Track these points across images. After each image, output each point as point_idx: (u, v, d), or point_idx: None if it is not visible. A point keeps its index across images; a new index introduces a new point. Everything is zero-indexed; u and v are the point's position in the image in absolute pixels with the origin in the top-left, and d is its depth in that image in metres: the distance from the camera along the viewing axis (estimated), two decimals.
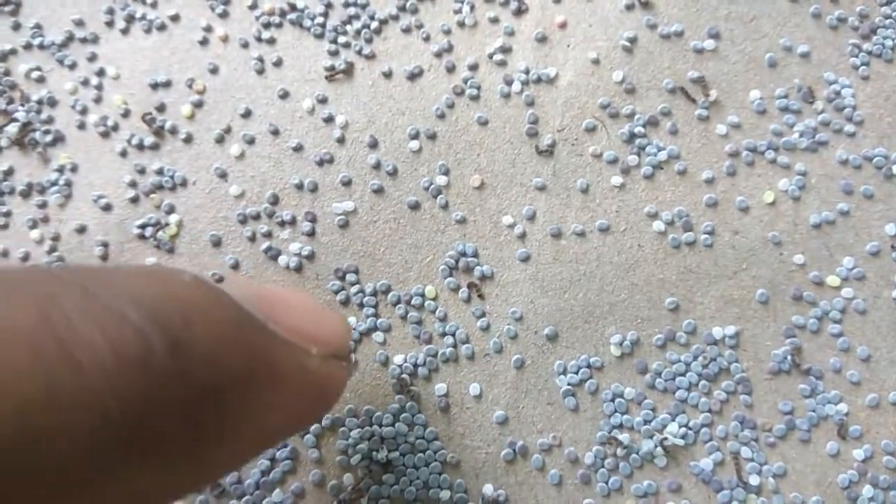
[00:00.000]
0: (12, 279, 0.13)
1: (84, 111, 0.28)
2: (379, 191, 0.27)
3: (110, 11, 0.29)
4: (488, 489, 0.24)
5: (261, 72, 0.28)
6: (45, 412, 0.11)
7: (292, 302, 0.18)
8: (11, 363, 0.11)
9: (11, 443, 0.11)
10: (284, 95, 0.28)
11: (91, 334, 0.12)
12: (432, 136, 0.27)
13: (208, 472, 0.15)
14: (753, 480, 0.24)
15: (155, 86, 0.28)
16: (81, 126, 0.28)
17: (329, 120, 0.27)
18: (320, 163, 0.27)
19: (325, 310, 0.19)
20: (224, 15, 0.28)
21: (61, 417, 0.11)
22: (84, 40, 0.28)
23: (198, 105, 0.28)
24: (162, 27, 0.28)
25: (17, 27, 0.29)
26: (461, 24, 0.28)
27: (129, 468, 0.13)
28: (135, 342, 0.12)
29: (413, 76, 0.27)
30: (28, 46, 0.28)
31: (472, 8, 0.28)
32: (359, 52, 0.28)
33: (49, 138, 0.27)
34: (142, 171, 0.27)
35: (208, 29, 0.28)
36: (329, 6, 0.28)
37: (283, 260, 0.26)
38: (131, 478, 0.13)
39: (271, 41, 0.28)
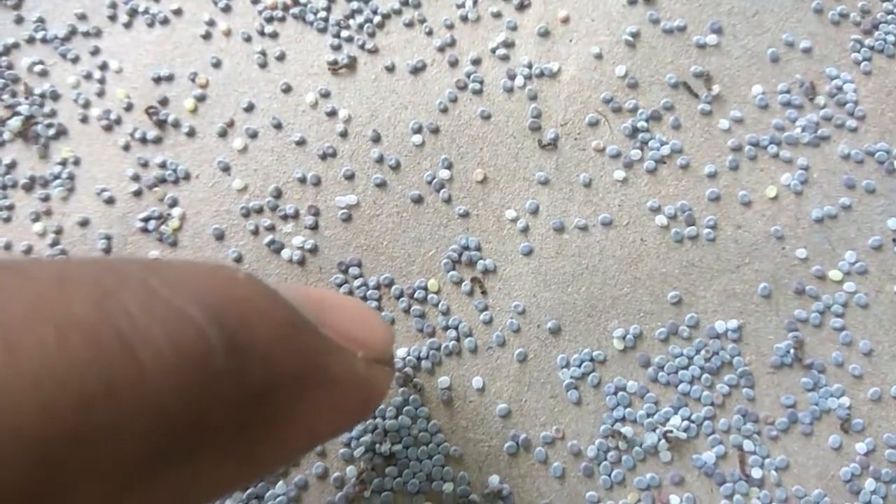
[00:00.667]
0: (73, 272, 0.13)
1: (87, 105, 0.28)
2: (382, 185, 0.27)
3: (113, 5, 0.29)
4: (494, 480, 0.24)
5: (264, 66, 0.28)
6: (105, 406, 0.11)
7: (341, 306, 0.18)
8: (72, 356, 0.11)
9: (71, 436, 0.11)
10: (287, 89, 0.28)
11: (152, 331, 0.12)
12: (435, 131, 0.27)
13: (257, 468, 0.15)
14: (756, 473, 0.24)
15: (158, 80, 0.28)
16: (84, 120, 0.28)
17: (332, 114, 0.27)
18: (323, 156, 0.27)
19: (370, 313, 0.19)
20: (227, 9, 0.28)
21: (121, 412, 0.11)
22: (87, 34, 0.28)
23: (201, 99, 0.28)
24: (165, 21, 0.28)
25: (19, 21, 0.29)
26: (464, 19, 0.28)
27: (184, 464, 0.13)
28: (195, 340, 0.12)
29: (416, 70, 0.28)
30: (31, 40, 0.28)
31: (475, 2, 0.28)
32: (362, 47, 0.28)
33: (52, 132, 0.27)
34: (145, 165, 0.27)
35: (211, 23, 0.28)
36: (332, 0, 0.28)
37: (286, 253, 0.26)
38: (185, 473, 0.13)
39: (274, 35, 0.28)
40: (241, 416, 0.14)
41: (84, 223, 0.27)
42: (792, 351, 0.25)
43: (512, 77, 0.27)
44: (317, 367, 0.16)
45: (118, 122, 0.28)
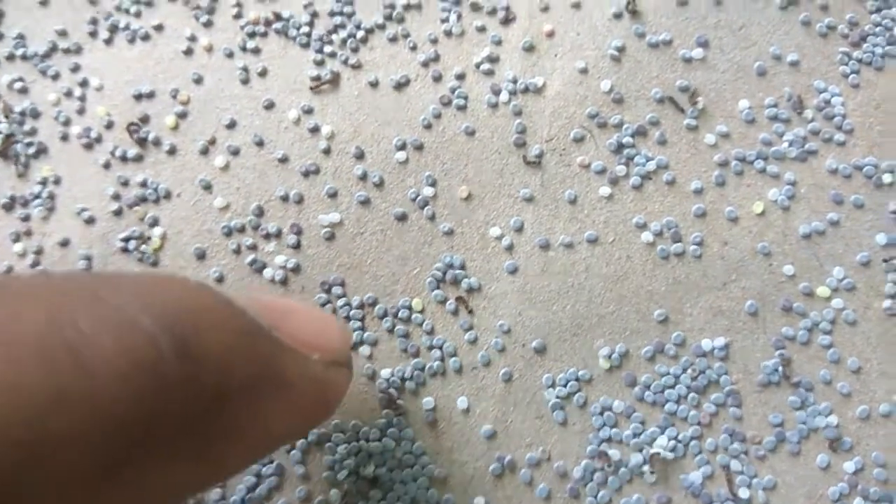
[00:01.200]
0: (20, 285, 0.13)
1: (67, 122, 0.27)
2: (365, 202, 0.26)
3: (93, 22, 0.28)
4: (479, 502, 0.24)
5: (246, 82, 0.28)
6: (54, 416, 0.11)
7: (295, 310, 0.18)
8: (21, 371, 0.11)
9: (22, 448, 0.11)
10: (270, 106, 0.27)
11: (101, 339, 0.12)
12: (419, 147, 0.27)
13: (215, 473, 0.16)
14: (743, 494, 0.24)
15: (139, 97, 0.28)
16: (64, 137, 0.27)
17: (315, 130, 0.27)
18: (306, 174, 0.27)
19: (327, 317, 0.20)
20: (208, 24, 0.28)
21: (71, 421, 0.12)
22: (67, 51, 0.28)
23: (182, 116, 0.27)
24: (146, 37, 0.28)
25: None
26: (448, 34, 0.28)
27: (138, 470, 0.13)
28: (145, 347, 0.13)
29: (399, 86, 0.27)
30: (10, 57, 0.28)
31: (459, 17, 0.28)
32: (345, 62, 0.28)
33: (32, 150, 0.27)
34: (125, 184, 0.27)
35: (192, 39, 0.28)
36: (315, 15, 0.28)
37: (268, 273, 0.26)
38: (139, 480, 0.13)
39: (256, 51, 0.28)
40: (196, 421, 0.14)
41: (64, 243, 0.26)
42: (779, 369, 0.25)
43: (496, 92, 0.27)
44: (271, 371, 0.16)
45: (98, 140, 0.27)
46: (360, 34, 0.28)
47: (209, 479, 0.16)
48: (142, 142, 0.27)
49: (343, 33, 0.28)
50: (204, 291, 0.15)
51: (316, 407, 0.18)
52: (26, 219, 0.27)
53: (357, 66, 0.28)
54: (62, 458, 0.12)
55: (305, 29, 0.28)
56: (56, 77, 0.28)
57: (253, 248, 0.26)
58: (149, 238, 0.26)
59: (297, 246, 0.26)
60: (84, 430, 0.12)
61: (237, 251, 0.26)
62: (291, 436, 0.18)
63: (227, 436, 0.15)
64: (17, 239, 0.27)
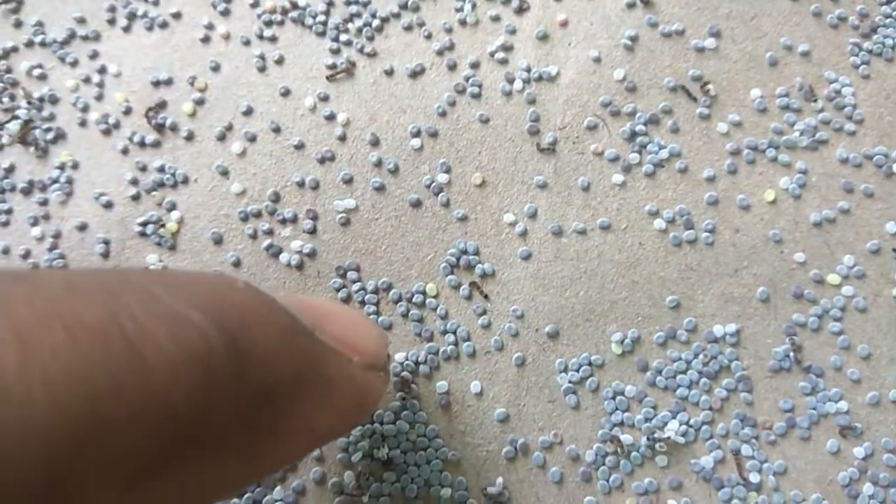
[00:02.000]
0: (79, 280, 0.13)
1: (85, 109, 0.28)
2: (380, 188, 0.27)
3: (112, 9, 0.29)
4: (492, 485, 0.24)
5: (262, 69, 0.28)
6: (112, 403, 0.12)
7: (336, 313, 0.19)
8: (82, 356, 0.12)
9: (81, 431, 0.11)
10: (286, 93, 0.28)
11: (156, 332, 0.13)
12: (434, 134, 0.27)
13: (258, 468, 0.16)
14: (754, 478, 0.24)
15: (157, 83, 0.28)
16: (83, 124, 0.28)
17: (330, 118, 0.27)
18: (322, 160, 0.27)
19: (366, 321, 0.20)
20: (226, 13, 0.28)
21: (129, 409, 0.12)
22: (86, 38, 0.28)
23: (199, 103, 0.28)
24: (164, 25, 0.28)
25: (18, 25, 0.29)
26: (463, 23, 0.28)
27: (189, 462, 0.13)
28: (197, 342, 0.13)
29: (415, 74, 0.28)
30: (30, 44, 0.28)
31: (474, 6, 0.28)
32: (360, 50, 0.28)
33: (50, 136, 0.27)
34: (143, 169, 0.27)
35: (210, 27, 0.28)
36: (331, 4, 0.28)
37: (284, 257, 0.26)
38: (189, 471, 0.13)
39: (273, 39, 0.28)
40: (243, 416, 0.14)
41: (82, 227, 0.27)
42: (790, 355, 0.25)
43: (510, 81, 0.27)
44: (314, 369, 0.16)
45: (117, 126, 0.28)
46: (376, 23, 0.28)
47: (251, 476, 0.16)
48: (160, 128, 0.27)
49: (359, 22, 0.28)
50: (250, 290, 0.16)
51: (354, 408, 0.18)
52: (45, 203, 0.27)
53: (372, 55, 0.28)
54: (117, 444, 0.12)
55: (321, 17, 0.28)
56: (75, 64, 0.28)
57: (269, 233, 0.26)
58: (163, 224, 0.27)
59: (312, 231, 0.26)
60: (138, 417, 0.12)
61: (253, 236, 0.26)
62: (330, 435, 0.19)
63: (271, 433, 0.15)
64: (35, 223, 0.27)
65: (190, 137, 0.27)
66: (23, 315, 0.12)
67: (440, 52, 0.28)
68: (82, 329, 0.12)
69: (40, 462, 0.11)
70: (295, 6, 0.28)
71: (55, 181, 0.27)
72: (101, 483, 0.12)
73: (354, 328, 0.18)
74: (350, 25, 0.28)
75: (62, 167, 0.27)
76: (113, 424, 0.12)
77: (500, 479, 0.24)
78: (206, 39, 0.28)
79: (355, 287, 0.26)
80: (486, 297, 0.26)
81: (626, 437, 0.25)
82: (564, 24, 0.28)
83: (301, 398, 0.16)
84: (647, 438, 0.24)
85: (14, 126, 0.27)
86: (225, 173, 0.27)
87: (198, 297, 0.14)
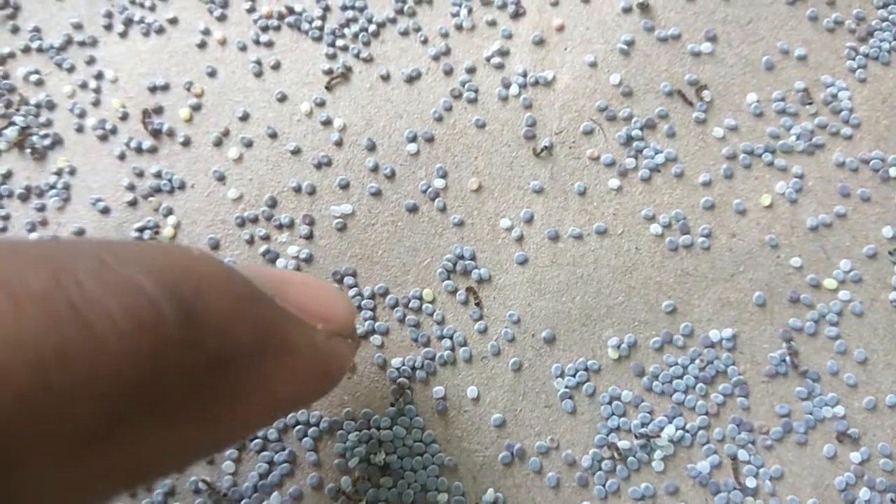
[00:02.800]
0: (27, 247, 0.13)
1: (82, 114, 0.28)
2: (377, 194, 0.27)
3: (108, 15, 0.29)
4: (489, 493, 0.24)
5: (259, 75, 0.28)
6: (56, 370, 0.12)
7: (300, 282, 0.19)
8: (26, 323, 0.12)
9: (26, 399, 0.11)
10: (282, 98, 0.28)
11: (104, 300, 0.12)
12: (430, 139, 0.27)
13: (217, 434, 0.16)
14: (750, 483, 0.24)
15: (153, 89, 0.28)
16: (80, 129, 0.28)
17: (327, 123, 0.27)
18: (318, 166, 0.27)
19: (331, 289, 0.20)
20: (222, 18, 0.28)
21: (75, 377, 0.12)
22: (82, 43, 0.28)
23: (196, 108, 0.28)
24: (160, 30, 0.28)
25: (15, 30, 0.29)
26: (459, 28, 0.28)
27: (138, 429, 0.13)
28: (147, 310, 0.13)
29: (411, 79, 0.28)
30: (26, 50, 0.29)
31: (470, 11, 0.28)
32: (356, 56, 0.28)
33: (48, 142, 0.28)
34: (140, 175, 0.27)
35: (206, 32, 0.28)
36: (327, 9, 0.28)
37: (281, 263, 0.26)
38: (139, 438, 0.13)
39: (269, 44, 0.28)
40: (197, 383, 0.14)
41: (79, 233, 0.27)
42: (787, 359, 0.25)
43: (507, 86, 0.27)
44: (274, 336, 0.16)
45: (114, 131, 0.28)
46: (372, 28, 0.28)
47: (210, 442, 0.16)
48: (156, 133, 0.27)
49: (355, 27, 0.28)
50: (206, 259, 0.15)
51: (318, 375, 0.18)
52: (42, 209, 0.27)
53: (369, 60, 0.28)
54: (63, 412, 0.12)
55: (318, 23, 0.28)
56: (71, 69, 0.28)
57: (266, 238, 0.27)
58: (160, 230, 0.27)
59: (309, 236, 0.26)
60: (84, 384, 0.12)
61: (250, 241, 0.27)
62: (294, 402, 0.19)
63: (227, 398, 0.15)
64: (32, 228, 0.27)
65: (186, 143, 0.27)
66: None
67: (436, 57, 0.28)
68: (28, 296, 0.12)
69: None
70: (291, 11, 0.28)
71: (52, 187, 0.27)
72: (47, 450, 0.12)
73: (318, 296, 0.18)
74: (346, 31, 0.28)
75: (59, 173, 0.27)
76: (59, 392, 0.12)
77: (490, 490, 0.24)
78: (202, 45, 0.28)
79: (352, 292, 0.26)
80: (478, 304, 0.26)
81: (623, 444, 0.25)
82: (560, 28, 0.28)
83: (259, 364, 0.16)
84: (637, 437, 0.24)
85: (11, 132, 0.28)
86: (221, 179, 0.27)
87: (150, 265, 0.14)
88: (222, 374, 0.15)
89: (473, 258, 0.26)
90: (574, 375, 0.25)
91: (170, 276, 0.14)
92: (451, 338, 0.26)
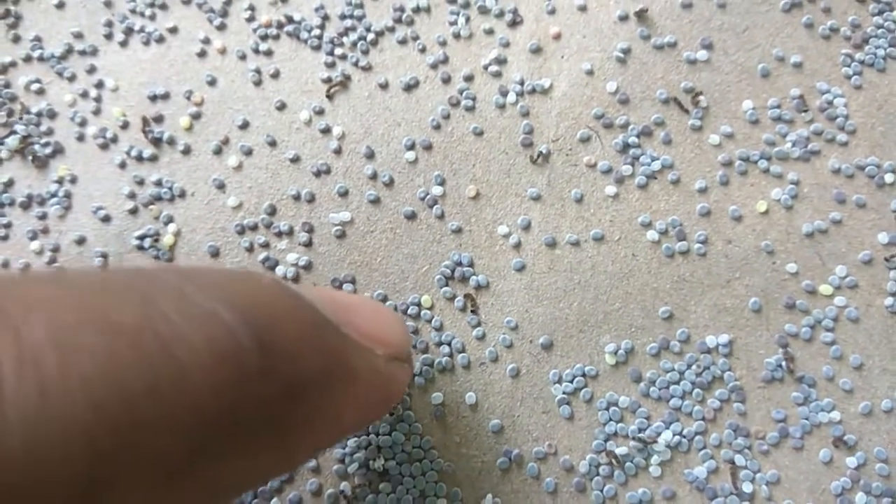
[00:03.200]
0: (113, 281, 0.14)
1: (83, 123, 0.28)
2: (375, 201, 0.27)
3: (109, 24, 0.29)
4: (487, 501, 0.25)
5: (258, 83, 0.28)
6: (148, 403, 0.12)
7: (360, 305, 0.19)
8: (117, 358, 0.12)
9: (118, 430, 0.12)
10: (282, 107, 0.28)
11: (188, 333, 0.13)
12: (428, 147, 0.27)
13: (288, 461, 0.16)
14: (747, 488, 0.24)
15: (153, 98, 0.28)
16: (81, 138, 0.28)
17: (326, 131, 0.27)
18: (317, 173, 0.27)
19: (388, 312, 0.20)
20: (222, 27, 0.29)
21: (163, 408, 0.12)
22: (83, 52, 0.29)
23: (196, 117, 0.28)
24: (160, 39, 0.29)
25: (16, 40, 0.29)
26: (456, 36, 0.28)
27: (220, 458, 0.14)
28: (227, 340, 0.13)
29: (409, 87, 0.28)
30: (28, 59, 0.29)
31: (468, 20, 0.28)
32: (355, 64, 0.28)
33: (49, 150, 0.28)
34: (140, 183, 0.27)
35: (206, 41, 0.29)
36: (326, 18, 0.28)
37: (280, 270, 0.26)
38: (221, 466, 0.14)
39: (269, 53, 0.28)
40: (273, 411, 0.14)
41: (80, 241, 0.27)
42: (783, 365, 0.25)
43: (504, 93, 0.27)
44: (340, 363, 0.16)
45: (114, 140, 0.28)
46: (371, 37, 0.28)
47: (281, 468, 0.16)
48: (156, 141, 0.28)
49: (353, 36, 0.28)
50: (276, 286, 0.16)
51: (379, 400, 0.18)
52: (43, 217, 0.27)
53: (367, 68, 0.28)
54: (153, 444, 0.12)
55: (317, 32, 0.28)
56: (72, 78, 0.29)
57: (265, 245, 0.27)
58: (160, 238, 0.27)
59: (308, 244, 0.27)
60: (173, 417, 0.12)
61: (250, 249, 0.27)
62: (356, 427, 0.19)
63: (299, 426, 0.15)
64: (34, 237, 0.27)
65: (187, 151, 0.28)
66: (61, 317, 0.12)
67: (434, 66, 0.28)
68: (117, 332, 0.12)
69: (82, 460, 0.11)
70: (290, 20, 0.28)
71: (53, 195, 0.27)
72: (137, 480, 0.12)
73: (378, 321, 0.18)
74: (345, 39, 0.28)
75: (60, 181, 0.28)
76: (148, 423, 0.12)
77: (488, 496, 0.25)
78: (202, 54, 0.28)
79: None
80: (473, 311, 0.26)
81: (621, 450, 0.25)
82: (557, 37, 0.28)
83: (329, 392, 0.16)
84: (634, 440, 0.25)
85: (13, 141, 0.28)
86: (221, 187, 0.27)
87: (227, 295, 0.14)
88: (295, 403, 0.15)
89: (471, 265, 0.26)
90: (571, 381, 0.25)
91: (244, 305, 0.14)
92: (449, 344, 0.26)
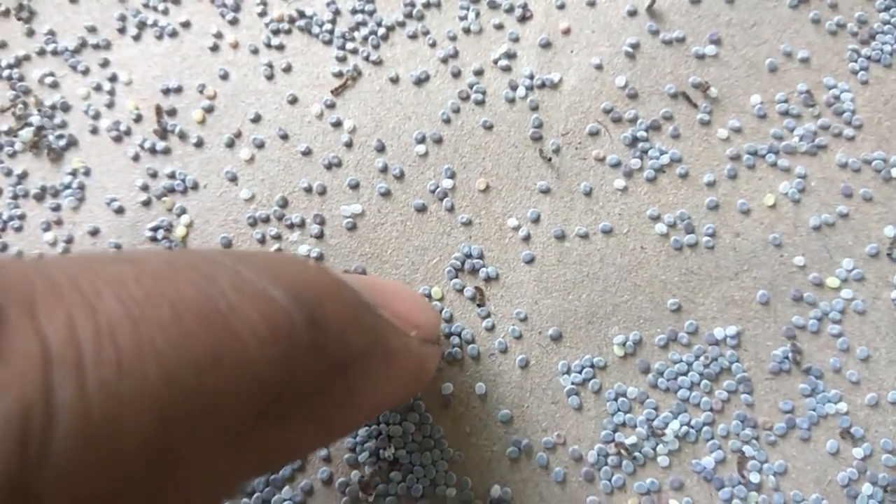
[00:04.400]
0: (178, 260, 0.14)
1: (97, 116, 0.28)
2: (386, 194, 0.27)
3: (122, 18, 0.29)
4: (495, 491, 0.25)
5: (270, 77, 0.28)
6: (212, 374, 0.13)
7: (395, 290, 0.20)
8: (186, 331, 0.13)
9: (187, 399, 0.12)
10: (293, 101, 0.28)
11: (246, 310, 0.14)
12: (438, 141, 0.27)
13: (330, 434, 0.18)
14: (754, 478, 0.25)
15: (167, 91, 0.28)
16: (94, 131, 0.28)
17: (337, 125, 0.28)
18: (329, 166, 0.27)
19: (420, 297, 0.22)
20: (234, 22, 0.29)
21: (226, 380, 0.13)
22: (97, 46, 0.29)
23: (209, 110, 0.28)
24: (173, 34, 0.29)
25: (30, 33, 0.29)
26: (467, 31, 0.28)
27: (273, 428, 0.14)
28: (282, 318, 0.14)
29: (419, 81, 0.28)
30: (42, 52, 0.29)
31: (478, 14, 0.28)
32: (366, 58, 0.28)
33: (63, 143, 0.28)
34: (154, 175, 0.28)
35: (219, 35, 0.29)
36: (337, 13, 0.29)
37: None
38: (273, 437, 0.15)
39: (280, 47, 0.29)
40: (322, 385, 0.15)
41: (94, 232, 0.27)
42: (790, 357, 0.25)
43: (514, 88, 0.28)
44: (379, 343, 0.18)
45: (128, 133, 0.28)
46: (381, 31, 0.28)
47: (323, 441, 0.18)
48: (168, 132, 0.28)
49: (364, 30, 0.29)
50: (321, 269, 0.17)
51: (414, 378, 0.19)
52: (57, 208, 0.28)
53: (378, 63, 0.28)
54: (216, 409, 0.13)
55: (328, 26, 0.29)
56: (86, 72, 0.29)
57: (277, 237, 0.27)
58: (173, 229, 0.27)
59: (320, 236, 0.27)
60: (234, 388, 0.13)
61: (262, 241, 0.27)
62: (395, 401, 0.20)
63: (344, 402, 0.16)
64: (48, 228, 0.27)
65: (199, 144, 0.28)
66: (133, 293, 0.13)
67: (444, 60, 0.28)
68: (184, 307, 0.13)
69: (155, 429, 0.12)
70: (302, 15, 0.29)
71: (67, 187, 0.28)
72: (202, 446, 0.13)
73: (412, 305, 0.20)
74: (356, 34, 0.29)
75: (74, 173, 0.28)
76: (213, 394, 0.13)
77: (497, 485, 0.25)
78: (214, 48, 0.29)
79: None
80: (480, 304, 0.26)
81: (631, 440, 0.25)
82: (567, 31, 0.28)
83: (369, 369, 0.17)
84: (644, 428, 0.25)
85: (27, 133, 0.28)
86: (234, 179, 0.28)
87: (278, 275, 0.15)
88: (340, 378, 0.16)
89: (481, 257, 0.27)
90: (580, 372, 0.26)
91: (295, 286, 0.15)
92: (459, 335, 0.26)
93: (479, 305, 0.26)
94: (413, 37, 0.28)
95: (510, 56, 0.28)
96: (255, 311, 0.14)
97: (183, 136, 0.28)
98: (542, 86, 0.28)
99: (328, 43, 0.29)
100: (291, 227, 0.27)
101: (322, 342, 0.15)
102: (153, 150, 0.28)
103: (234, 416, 0.13)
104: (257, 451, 0.14)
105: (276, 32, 0.29)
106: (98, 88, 0.29)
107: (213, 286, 0.14)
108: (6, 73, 0.29)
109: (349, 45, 0.28)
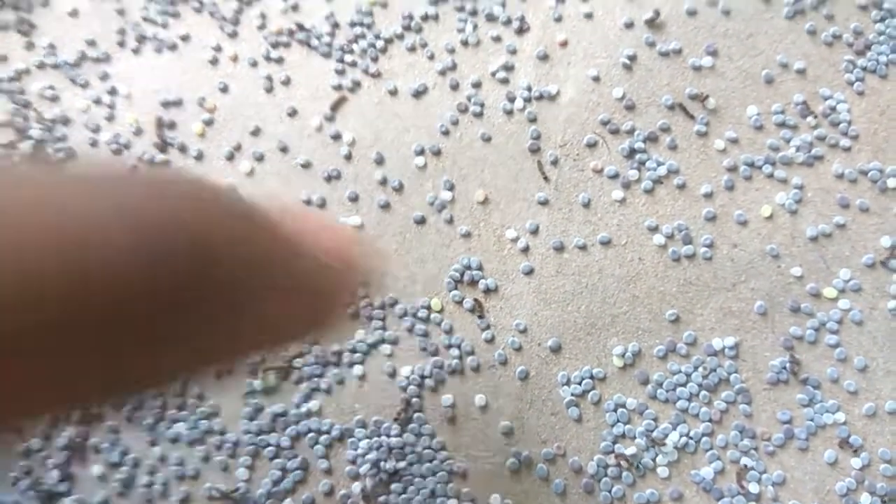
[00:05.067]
0: (111, 177, 0.16)
1: (97, 129, 0.28)
2: (385, 206, 0.27)
3: (122, 31, 0.29)
4: (495, 501, 0.25)
5: (270, 90, 0.28)
6: (95, 254, 0.14)
7: (304, 212, 0.20)
8: (96, 241, 0.14)
9: (77, 272, 0.13)
10: (293, 113, 0.28)
11: (141, 227, 0.15)
12: (437, 153, 0.28)
13: (217, 357, 0.18)
14: (753, 488, 0.25)
15: (166, 104, 0.28)
16: (94, 144, 0.28)
17: (336, 137, 0.28)
18: (328, 179, 0.28)
19: (335, 223, 0.22)
20: (233, 35, 0.29)
21: (111, 264, 0.14)
22: (96, 60, 0.29)
23: (209, 123, 0.28)
24: (173, 47, 0.29)
25: (30, 47, 0.29)
26: (465, 43, 0.28)
27: (145, 347, 0.15)
28: (162, 242, 0.15)
29: (418, 94, 0.28)
30: (42, 66, 0.29)
31: (476, 27, 0.29)
32: (365, 71, 0.28)
33: (62, 156, 0.28)
34: None
35: (218, 48, 0.29)
36: (336, 26, 0.29)
37: None
38: (144, 357, 0.16)
39: (280, 60, 0.29)
40: (208, 307, 0.16)
41: None
42: (788, 367, 0.26)
43: (511, 100, 0.28)
44: (276, 269, 0.17)
45: (127, 146, 0.28)
46: (380, 44, 0.29)
47: (206, 363, 0.18)
48: (167, 145, 0.28)
49: (363, 43, 0.29)
50: (214, 196, 0.17)
51: (319, 303, 0.19)
52: None
53: (377, 75, 0.28)
54: (101, 290, 0.14)
55: (327, 39, 0.29)
56: (86, 85, 0.29)
57: None
58: None
59: None
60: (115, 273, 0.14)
61: None
62: (288, 329, 0.20)
63: (233, 325, 0.17)
64: None
65: (199, 157, 0.28)
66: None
67: (443, 73, 0.28)
68: (94, 221, 0.14)
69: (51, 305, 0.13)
70: (301, 28, 0.29)
71: None
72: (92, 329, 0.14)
73: (322, 226, 0.19)
74: (355, 46, 0.29)
75: None
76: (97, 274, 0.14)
77: (498, 497, 0.25)
78: (214, 61, 0.29)
79: (362, 303, 0.27)
80: (480, 316, 0.26)
81: (631, 450, 0.25)
82: (564, 44, 0.28)
83: (263, 297, 0.17)
84: (646, 438, 0.25)
85: (27, 146, 0.28)
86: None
87: (173, 207, 0.16)
88: (227, 294, 0.16)
89: (480, 268, 0.27)
90: (580, 383, 0.26)
91: (183, 209, 0.16)
92: (458, 347, 0.26)
93: (479, 317, 0.26)
94: (411, 49, 0.29)
95: (508, 68, 0.28)
96: (146, 228, 0.15)
97: (183, 148, 0.28)
98: (540, 98, 0.28)
99: (327, 55, 0.29)
100: None
101: (206, 265, 0.15)
102: (153, 163, 0.28)
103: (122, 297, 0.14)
104: (164, 344, 0.15)
105: (275, 45, 0.29)
106: (98, 101, 0.29)
107: (123, 208, 0.15)
108: (6, 86, 0.29)
109: (348, 58, 0.29)
